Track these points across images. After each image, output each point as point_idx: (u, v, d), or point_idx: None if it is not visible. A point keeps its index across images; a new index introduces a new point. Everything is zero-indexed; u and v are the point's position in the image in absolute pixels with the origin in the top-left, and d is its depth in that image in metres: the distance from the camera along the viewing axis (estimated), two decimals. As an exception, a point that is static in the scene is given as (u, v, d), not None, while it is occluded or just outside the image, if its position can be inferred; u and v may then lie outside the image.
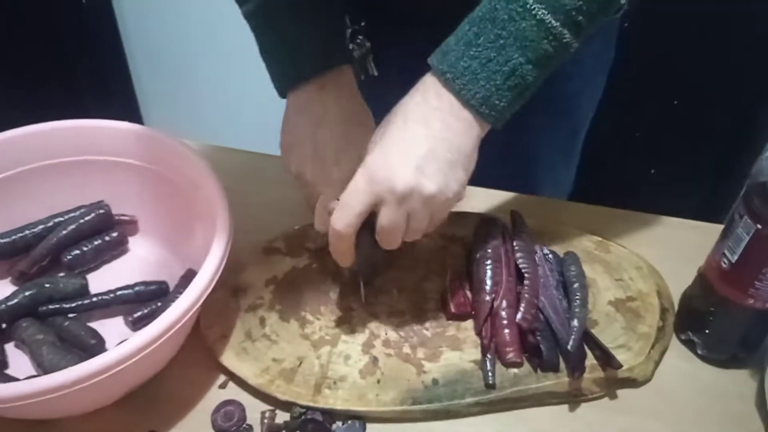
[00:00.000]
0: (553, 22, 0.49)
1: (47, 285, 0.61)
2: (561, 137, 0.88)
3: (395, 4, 0.72)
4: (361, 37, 0.75)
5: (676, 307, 0.65)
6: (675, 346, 0.63)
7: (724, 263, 0.56)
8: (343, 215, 0.52)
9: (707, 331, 0.60)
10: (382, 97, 0.82)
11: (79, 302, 0.61)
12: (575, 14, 0.49)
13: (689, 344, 0.63)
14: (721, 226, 0.60)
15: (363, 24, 0.74)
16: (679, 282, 0.66)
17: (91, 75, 1.68)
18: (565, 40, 0.50)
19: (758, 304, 0.55)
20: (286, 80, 0.64)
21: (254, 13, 0.63)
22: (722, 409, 0.58)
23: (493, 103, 0.51)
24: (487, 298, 0.61)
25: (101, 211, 0.67)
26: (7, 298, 0.59)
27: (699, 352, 0.62)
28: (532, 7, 0.48)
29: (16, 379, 0.56)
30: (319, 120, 0.62)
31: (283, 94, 0.65)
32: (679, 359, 0.62)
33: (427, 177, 0.50)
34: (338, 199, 0.53)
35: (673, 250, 0.71)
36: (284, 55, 0.63)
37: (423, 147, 0.51)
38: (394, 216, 0.52)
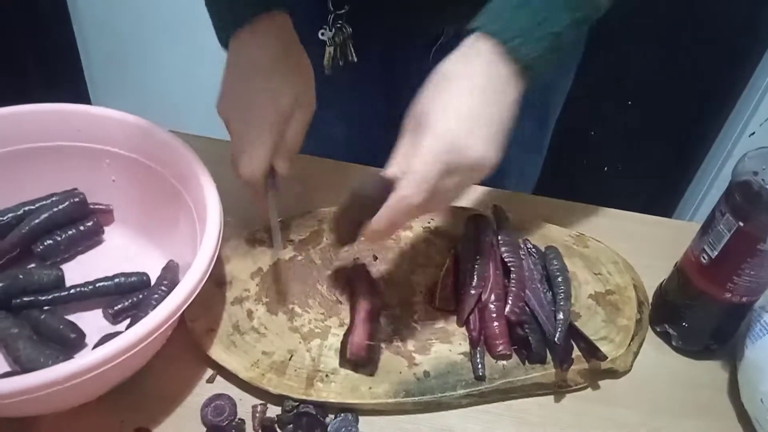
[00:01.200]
0: None
1: (21, 276, 0.58)
2: (530, 130, 0.90)
3: None
4: (341, 22, 0.74)
5: (651, 299, 0.68)
6: (651, 338, 0.65)
7: (704, 259, 0.59)
8: (418, 186, 0.49)
9: (683, 324, 0.63)
10: (360, 83, 0.82)
11: (56, 294, 0.58)
12: None
13: (665, 336, 0.65)
14: (687, 222, 0.63)
15: (345, 9, 0.74)
16: (651, 276, 0.69)
17: (38, 59, 1.60)
18: (602, 2, 0.53)
19: (735, 298, 0.58)
20: (224, 29, 0.62)
21: None
22: (697, 398, 0.61)
23: (540, 65, 0.51)
24: (473, 291, 0.62)
25: (76, 200, 0.64)
26: (-22, 291, 0.56)
27: (674, 343, 0.64)
28: None
29: (-10, 376, 0.53)
30: (248, 62, 0.60)
31: (225, 44, 0.63)
32: (655, 351, 0.64)
33: (493, 147, 0.50)
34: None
35: (644, 246, 0.73)
36: (222, 3, 0.62)
37: (488, 118, 0.50)
38: (459, 184, 0.51)
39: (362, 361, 0.56)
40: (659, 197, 1.64)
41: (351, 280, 0.64)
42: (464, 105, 0.50)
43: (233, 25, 0.60)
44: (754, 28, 1.36)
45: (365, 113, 0.89)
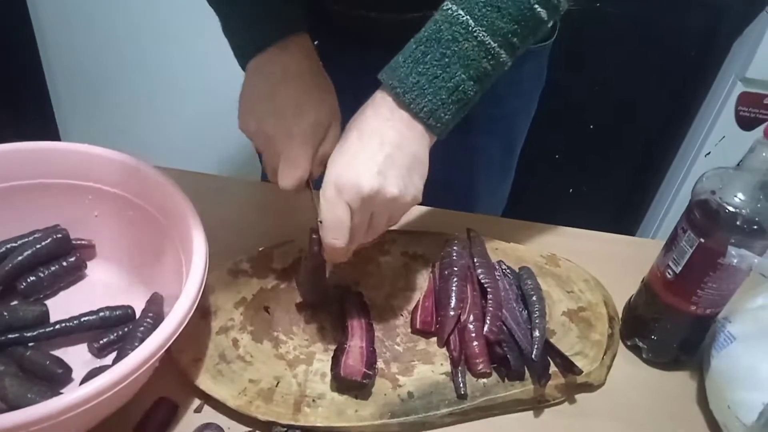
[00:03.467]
0: (492, 43, 0.54)
1: (5, 313, 0.58)
2: (498, 154, 0.93)
3: (348, 27, 0.74)
4: None
5: (621, 315, 0.71)
6: (622, 352, 0.68)
7: (669, 274, 0.62)
8: (332, 232, 0.54)
9: (652, 337, 0.66)
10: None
11: (41, 330, 0.59)
12: (511, 36, 0.55)
13: (635, 349, 0.68)
14: (652, 240, 0.66)
15: (315, 43, 0.76)
16: (620, 292, 0.72)
17: (3, 93, 1.59)
18: (501, 59, 0.55)
19: (699, 310, 0.61)
20: (246, 50, 0.64)
21: None
22: (668, 407, 0.63)
23: (439, 116, 0.55)
24: (452, 313, 0.64)
25: (58, 236, 0.64)
26: (-37, 329, 0.56)
27: (644, 356, 0.67)
28: (474, 30, 0.54)
29: (-24, 414, 0.53)
30: (278, 78, 0.63)
31: (244, 65, 0.65)
32: (627, 364, 0.67)
33: (389, 180, 0.54)
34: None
35: (612, 263, 0.77)
36: (244, 26, 0.64)
37: (381, 154, 0.54)
38: (359, 219, 0.55)
39: (353, 385, 0.58)
40: (623, 216, 1.69)
41: (342, 303, 0.65)
42: (355, 148, 0.55)
43: (255, 50, 0.63)
44: (707, 53, 1.43)
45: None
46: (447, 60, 0.54)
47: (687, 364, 0.67)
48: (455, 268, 0.67)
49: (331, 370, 0.59)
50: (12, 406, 0.53)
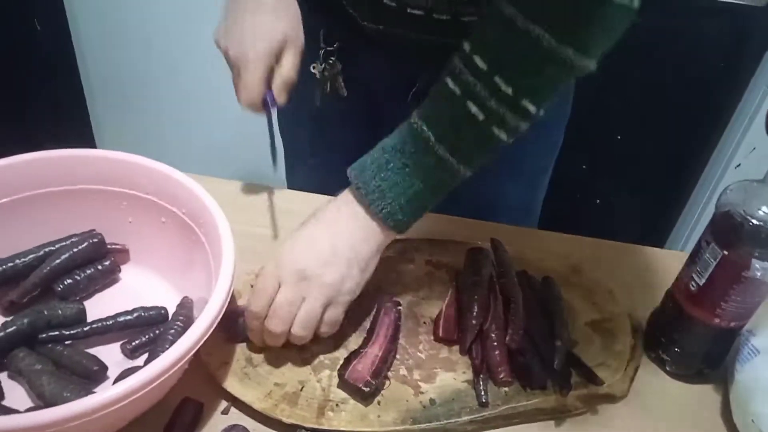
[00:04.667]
0: (451, 159, 0.57)
1: (44, 311, 0.61)
2: (519, 192, 0.93)
3: (370, 29, 0.76)
4: (332, 58, 0.79)
5: (645, 326, 0.71)
6: (646, 364, 0.68)
7: (692, 286, 0.62)
8: (256, 298, 0.59)
9: (676, 349, 0.66)
10: (349, 116, 0.86)
11: (78, 329, 0.61)
12: (470, 154, 0.58)
13: (659, 361, 0.68)
14: (677, 252, 0.66)
15: (335, 46, 0.78)
16: (644, 304, 0.72)
17: (45, 104, 1.64)
18: (461, 173, 0.59)
19: (723, 323, 0.61)
20: None
21: None
22: (692, 420, 0.63)
23: (397, 218, 0.59)
24: (474, 322, 0.65)
25: (94, 240, 0.67)
26: (5, 325, 0.58)
27: (668, 368, 0.67)
28: (434, 146, 0.57)
29: (15, 411, 0.55)
30: (249, 8, 0.69)
31: None
32: (650, 376, 0.67)
33: (326, 267, 0.58)
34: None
35: (636, 275, 0.77)
36: None
37: (326, 242, 0.59)
38: (290, 294, 0.58)
39: (354, 390, 0.59)
40: (651, 228, 1.68)
41: (379, 311, 0.66)
42: (305, 235, 0.60)
43: None
44: (737, 63, 1.42)
45: (354, 143, 0.92)
46: (408, 170, 0.58)
47: (711, 377, 0.66)
48: (478, 278, 0.67)
49: (339, 369, 0.60)
50: (49, 404, 0.55)
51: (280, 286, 0.59)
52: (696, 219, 1.56)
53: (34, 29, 1.56)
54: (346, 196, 0.61)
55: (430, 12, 0.68)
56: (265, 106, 0.69)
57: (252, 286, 0.61)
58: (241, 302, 0.66)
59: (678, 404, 0.65)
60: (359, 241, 0.60)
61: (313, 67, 0.79)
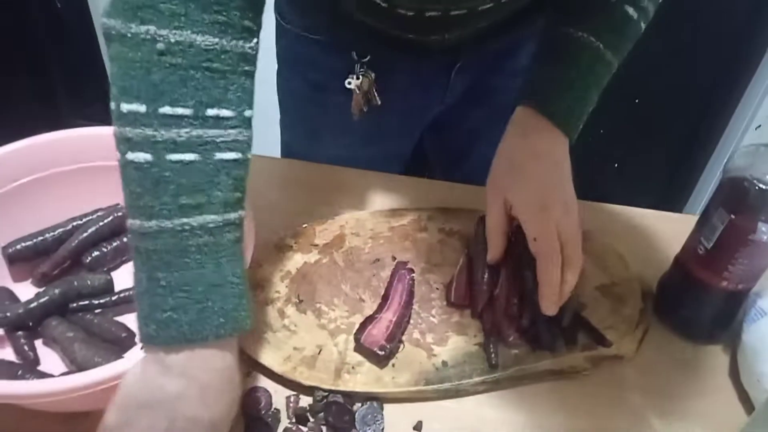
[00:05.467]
0: (614, 61, 0.65)
1: (75, 282, 0.64)
2: None
3: (402, 37, 0.76)
4: (365, 69, 0.79)
5: (654, 290, 0.72)
6: (655, 326, 0.69)
7: (701, 250, 0.63)
8: (549, 244, 0.62)
9: (684, 312, 0.67)
10: (380, 123, 0.87)
11: (107, 298, 0.64)
12: (624, 52, 0.66)
13: (668, 324, 0.69)
14: (686, 216, 0.67)
15: (368, 57, 0.79)
16: (653, 267, 0.73)
17: (67, 82, 1.67)
18: (614, 70, 0.66)
19: (731, 285, 0.62)
20: (174, 332, 0.45)
21: (158, 234, 0.46)
22: (699, 381, 0.65)
23: (578, 128, 0.66)
24: (485, 287, 0.67)
25: (119, 214, 0.69)
26: (38, 296, 0.62)
27: (677, 330, 0.68)
28: (604, 53, 0.64)
29: (50, 375, 0.59)
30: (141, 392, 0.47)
31: (147, 342, 0.46)
32: (659, 338, 0.68)
33: (570, 194, 0.64)
34: None
35: (645, 239, 0.78)
36: (188, 302, 0.45)
37: (561, 171, 0.65)
38: (565, 222, 0.63)
39: (370, 354, 0.62)
40: (670, 193, 1.67)
41: (393, 278, 0.69)
42: (558, 174, 0.64)
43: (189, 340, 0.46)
44: (757, 22, 1.39)
45: (388, 152, 0.94)
46: (589, 85, 0.64)
47: (719, 339, 0.68)
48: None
49: (355, 333, 0.63)
50: (81, 368, 0.58)
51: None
52: (715, 183, 1.55)
53: (55, 8, 1.58)
54: (540, 123, 0.64)
55: (447, 11, 0.67)
56: None
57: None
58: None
59: (686, 366, 0.66)
60: (565, 157, 0.65)
61: (349, 83, 0.79)
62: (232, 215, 0.47)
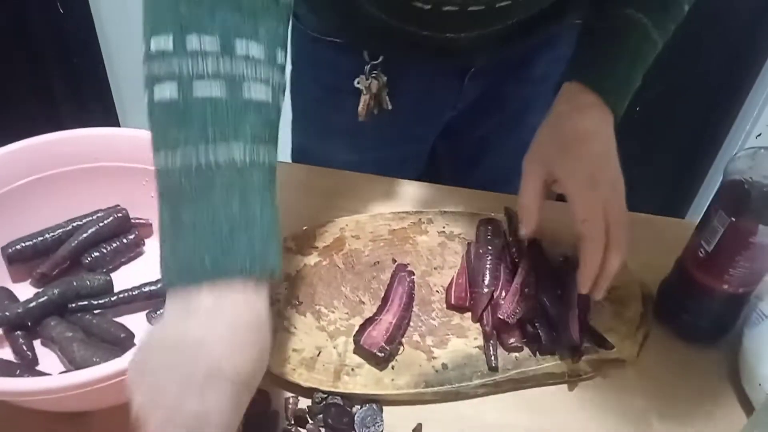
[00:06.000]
0: (659, 41, 0.65)
1: (74, 282, 0.64)
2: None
3: (417, 35, 0.76)
4: (376, 71, 0.79)
5: (655, 294, 0.72)
6: (656, 330, 0.69)
7: (701, 253, 0.63)
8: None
9: (686, 315, 0.67)
10: (391, 127, 0.87)
11: (106, 299, 0.64)
12: (669, 33, 0.66)
13: (669, 328, 0.69)
14: (686, 221, 0.67)
15: (381, 59, 0.78)
16: (654, 272, 0.73)
17: (68, 84, 1.68)
18: (658, 48, 0.66)
19: (732, 289, 0.62)
20: (195, 271, 0.42)
21: (186, 169, 0.44)
22: (700, 385, 0.65)
23: (623, 106, 0.65)
24: (486, 290, 0.67)
25: (119, 215, 0.69)
26: (37, 295, 0.62)
27: (678, 334, 0.68)
28: (651, 31, 0.64)
29: (48, 375, 0.59)
30: (172, 323, 0.43)
31: (171, 285, 0.43)
32: (660, 342, 0.68)
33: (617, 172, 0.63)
34: None
35: (646, 243, 0.77)
36: (209, 238, 0.42)
37: (610, 148, 0.64)
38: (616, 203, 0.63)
39: (369, 356, 0.61)
40: (672, 199, 1.67)
41: (393, 280, 0.68)
42: (606, 149, 0.63)
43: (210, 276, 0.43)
44: (760, 29, 1.39)
45: (400, 157, 0.94)
46: (635, 62, 0.64)
47: (720, 343, 0.67)
48: (489, 247, 0.69)
49: (354, 335, 0.62)
50: (79, 368, 0.58)
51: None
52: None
53: (57, 12, 1.59)
54: (593, 101, 0.63)
55: (464, 5, 0.67)
56: None
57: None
58: None
59: (687, 369, 0.66)
60: (612, 136, 0.64)
61: (358, 82, 0.78)
62: (261, 156, 0.44)
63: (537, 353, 0.63)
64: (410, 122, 0.86)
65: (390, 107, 0.80)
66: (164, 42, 0.44)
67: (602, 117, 0.63)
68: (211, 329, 0.41)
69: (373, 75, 0.78)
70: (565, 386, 0.63)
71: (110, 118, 1.85)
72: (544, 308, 0.65)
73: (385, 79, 0.78)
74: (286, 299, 0.67)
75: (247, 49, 0.45)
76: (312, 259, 0.71)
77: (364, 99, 0.79)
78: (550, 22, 0.77)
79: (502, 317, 0.63)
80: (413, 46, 0.74)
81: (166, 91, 0.43)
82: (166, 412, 0.40)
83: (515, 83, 0.87)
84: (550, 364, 0.62)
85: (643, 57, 0.65)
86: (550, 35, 0.80)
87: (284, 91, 0.48)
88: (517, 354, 0.63)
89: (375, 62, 0.77)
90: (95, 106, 1.81)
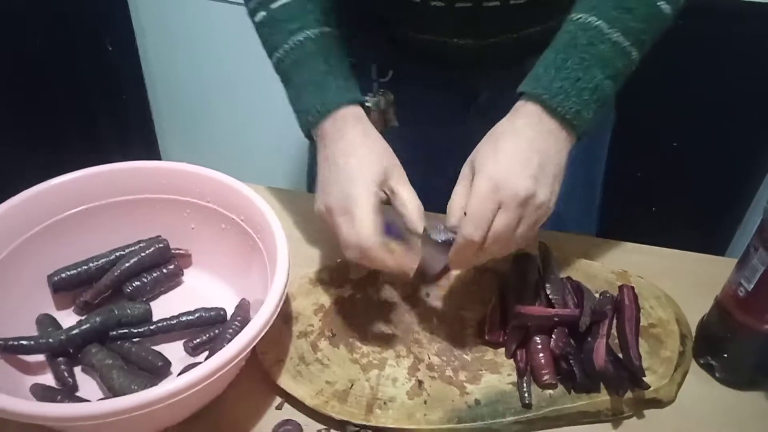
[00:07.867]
0: (625, 42, 0.60)
1: (115, 311, 0.65)
2: (570, 208, 0.90)
3: (426, 51, 0.78)
4: (383, 89, 0.80)
5: (694, 333, 0.70)
6: (695, 370, 0.68)
7: (741, 292, 0.62)
8: (476, 224, 0.57)
9: (725, 356, 0.65)
10: (400, 147, 0.88)
11: (146, 327, 0.66)
12: (640, 35, 0.60)
13: (708, 368, 0.67)
14: (726, 259, 0.65)
15: (388, 77, 0.80)
16: (693, 310, 0.72)
17: (113, 119, 1.74)
18: (632, 57, 0.61)
19: (773, 329, 0.61)
20: (311, 116, 0.66)
21: (283, 59, 0.69)
22: (740, 428, 0.63)
23: (583, 116, 0.60)
24: (519, 325, 0.66)
25: (160, 245, 0.71)
26: (80, 323, 0.63)
27: (717, 375, 0.67)
28: (607, 33, 0.59)
29: (88, 401, 0.60)
30: (338, 156, 0.64)
31: (309, 132, 0.68)
32: (699, 382, 0.67)
33: (541, 186, 0.58)
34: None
35: (685, 281, 0.76)
36: (310, 93, 0.67)
37: (535, 161, 0.58)
38: (510, 219, 0.57)
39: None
40: (712, 236, 1.64)
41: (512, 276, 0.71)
42: (512, 152, 0.58)
43: (321, 114, 0.65)
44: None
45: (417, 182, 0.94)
46: (586, 63, 0.59)
47: (763, 385, 0.66)
48: (524, 282, 0.69)
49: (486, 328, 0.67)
50: (117, 395, 0.59)
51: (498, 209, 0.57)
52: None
53: (106, 50, 1.65)
54: (531, 110, 0.60)
55: (478, 2, 0.67)
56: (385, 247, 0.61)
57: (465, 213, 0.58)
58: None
59: (727, 411, 0.64)
60: (557, 153, 0.60)
61: (366, 101, 0.78)
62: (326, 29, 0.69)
63: (572, 391, 0.63)
64: (416, 141, 0.86)
65: (396, 124, 0.81)
66: None
67: (534, 120, 0.59)
68: (335, 146, 0.64)
69: (381, 92, 0.79)
70: (600, 426, 0.62)
71: (152, 153, 1.90)
72: (577, 344, 0.64)
73: (392, 97, 0.80)
74: (320, 331, 0.68)
75: None
76: (346, 292, 0.72)
77: (372, 115, 0.79)
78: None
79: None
80: (420, 58, 0.76)
81: (258, 15, 0.70)
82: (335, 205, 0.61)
83: None
84: (585, 402, 0.62)
85: (601, 58, 0.59)
86: None
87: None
88: (551, 391, 0.63)
89: (383, 80, 0.79)
90: (139, 140, 1.87)
